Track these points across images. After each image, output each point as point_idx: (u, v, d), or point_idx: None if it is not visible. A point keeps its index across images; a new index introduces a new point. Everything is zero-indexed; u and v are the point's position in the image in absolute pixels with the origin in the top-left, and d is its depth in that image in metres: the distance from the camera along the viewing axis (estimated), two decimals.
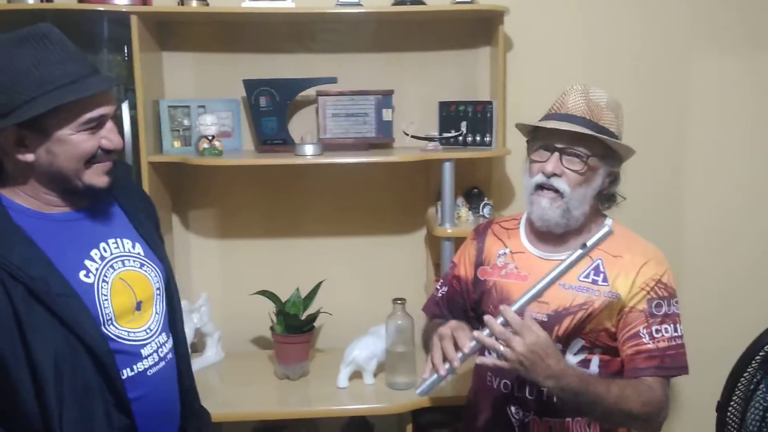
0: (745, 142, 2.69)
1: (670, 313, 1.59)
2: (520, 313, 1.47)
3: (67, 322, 1.29)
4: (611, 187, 1.67)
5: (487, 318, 1.45)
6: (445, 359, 1.47)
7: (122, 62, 2.36)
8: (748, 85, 2.65)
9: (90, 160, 1.36)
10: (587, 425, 1.64)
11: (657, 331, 1.57)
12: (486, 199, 2.50)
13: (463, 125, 2.46)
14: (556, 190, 1.58)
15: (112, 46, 2.38)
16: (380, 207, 2.64)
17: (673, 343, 1.57)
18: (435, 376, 1.46)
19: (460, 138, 2.47)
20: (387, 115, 2.49)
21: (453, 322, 1.55)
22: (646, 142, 2.65)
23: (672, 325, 1.58)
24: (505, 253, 1.74)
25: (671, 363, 1.56)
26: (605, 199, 1.67)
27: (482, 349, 1.48)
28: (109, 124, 1.39)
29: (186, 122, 2.48)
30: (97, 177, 1.38)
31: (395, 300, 2.28)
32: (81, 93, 1.30)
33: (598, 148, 1.59)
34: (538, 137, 1.63)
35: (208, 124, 2.35)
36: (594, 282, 1.60)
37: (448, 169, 2.32)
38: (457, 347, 1.47)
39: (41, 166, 1.34)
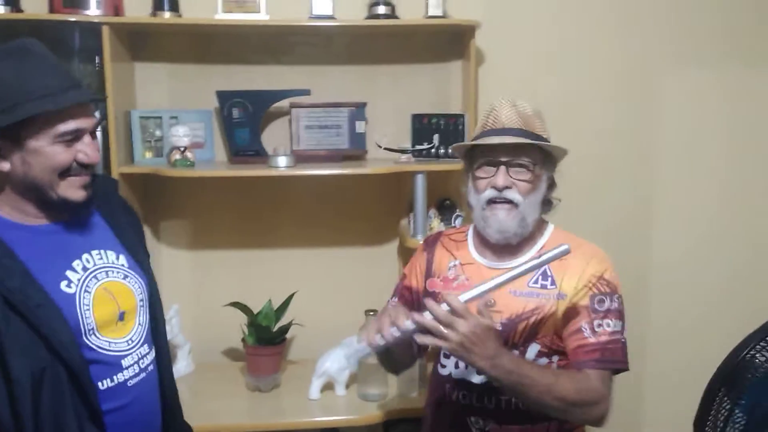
0: (718, 156, 2.74)
1: (612, 309, 1.60)
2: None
3: (44, 333, 1.29)
4: (550, 191, 1.71)
5: (428, 302, 1.46)
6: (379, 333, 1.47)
7: (94, 72, 2.35)
8: (721, 99, 2.70)
9: (65, 173, 1.37)
10: (545, 428, 1.65)
11: (598, 325, 1.59)
12: (458, 210, 2.52)
13: (436, 137, 2.48)
14: (510, 201, 1.62)
15: (84, 57, 2.36)
16: (353, 218, 2.65)
17: (614, 337, 1.58)
18: (363, 345, 1.48)
19: (433, 150, 2.48)
20: (360, 127, 2.51)
21: (395, 306, 1.66)
22: (618, 155, 2.70)
23: (613, 320, 1.59)
24: (455, 265, 1.75)
25: (610, 356, 1.57)
26: (545, 204, 1.71)
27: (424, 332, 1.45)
28: (87, 138, 1.39)
29: (158, 133, 2.47)
30: (72, 190, 1.39)
31: (367, 311, 2.29)
32: (54, 105, 1.31)
33: (538, 155, 1.64)
34: (478, 154, 1.66)
35: (181, 135, 2.34)
36: (543, 287, 1.63)
37: (420, 180, 2.33)
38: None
39: (17, 176, 1.35)
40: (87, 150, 1.38)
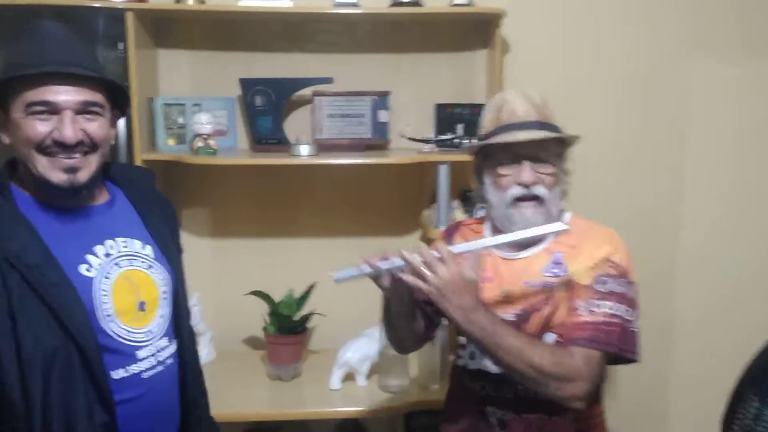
0: (742, 148, 2.69)
1: (616, 292, 1.54)
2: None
3: (58, 312, 1.29)
4: (566, 179, 1.68)
5: (418, 246, 1.52)
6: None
7: (117, 59, 2.34)
8: (743, 92, 2.66)
9: (42, 150, 1.34)
10: (567, 420, 1.62)
11: (596, 305, 1.53)
12: (476, 203, 2.50)
13: (459, 128, 2.46)
14: (536, 197, 1.59)
15: (107, 43, 2.36)
16: (375, 208, 2.63)
17: (611, 320, 1.51)
18: (354, 268, 1.53)
19: (456, 140, 2.46)
20: (383, 116, 2.49)
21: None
22: (643, 146, 2.66)
23: (614, 303, 1.53)
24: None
25: (604, 338, 1.50)
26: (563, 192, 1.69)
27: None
28: (67, 117, 1.33)
29: (181, 120, 2.46)
30: (51, 171, 1.35)
31: None
32: (22, 71, 1.31)
33: (557, 146, 1.62)
34: (497, 151, 1.61)
35: (203, 122, 2.34)
36: (555, 275, 1.60)
37: (443, 171, 2.31)
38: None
39: (13, 149, 1.37)
40: (61, 127, 1.33)
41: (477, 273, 1.50)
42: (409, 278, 1.48)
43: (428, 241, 2.41)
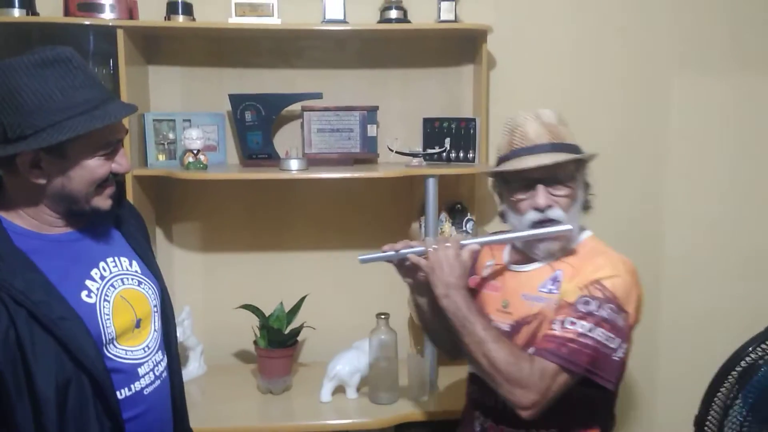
0: (727, 161, 2.73)
1: (596, 314, 1.50)
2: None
3: (68, 346, 1.28)
4: (586, 193, 1.70)
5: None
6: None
7: (108, 76, 2.36)
8: (731, 104, 2.70)
9: (101, 185, 1.37)
10: None
11: (571, 323, 1.51)
12: (469, 214, 2.52)
13: (447, 142, 2.49)
14: (554, 222, 1.60)
15: (98, 60, 2.38)
16: (364, 222, 2.65)
17: (581, 339, 1.49)
18: (378, 252, 1.69)
19: (444, 154, 2.49)
20: (372, 130, 2.51)
21: None
22: (629, 159, 2.70)
23: (592, 325, 1.49)
24: (490, 265, 1.79)
25: (566, 354, 1.48)
26: (584, 206, 1.70)
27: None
28: (121, 150, 1.40)
29: (171, 136, 2.48)
30: (103, 200, 1.39)
31: (379, 315, 2.29)
32: (107, 120, 1.31)
33: (573, 165, 1.63)
34: (512, 175, 1.64)
35: (194, 138, 2.36)
36: (550, 291, 1.61)
37: (431, 184, 2.33)
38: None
39: (53, 188, 1.33)
40: (121, 161, 1.39)
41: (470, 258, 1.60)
42: (414, 256, 1.62)
43: None
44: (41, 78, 1.27)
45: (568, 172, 1.61)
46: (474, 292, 1.78)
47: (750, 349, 1.78)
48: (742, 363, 1.82)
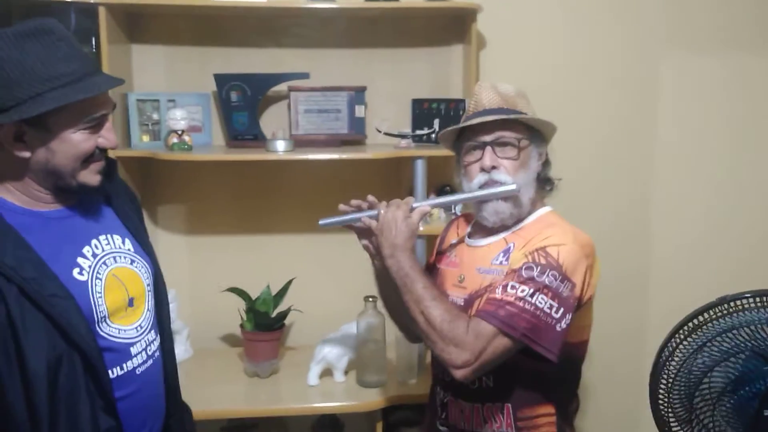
0: (719, 143, 2.71)
1: (538, 280, 1.48)
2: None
3: (60, 323, 1.27)
4: (545, 170, 1.70)
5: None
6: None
7: (90, 54, 2.32)
8: (722, 85, 2.68)
9: (87, 160, 1.35)
10: (499, 411, 1.62)
11: (512, 287, 1.49)
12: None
13: (436, 123, 2.46)
14: (501, 183, 1.60)
15: (80, 38, 2.31)
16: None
17: (520, 303, 1.47)
18: (338, 217, 1.70)
19: (433, 136, 2.46)
20: (360, 111, 2.48)
21: None
22: (618, 142, 2.68)
23: (534, 291, 1.47)
24: (453, 243, 1.81)
25: (505, 317, 1.46)
26: (544, 183, 1.70)
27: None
28: (108, 124, 1.38)
29: (155, 116, 2.44)
30: (91, 176, 1.37)
31: (366, 297, 2.27)
32: (89, 92, 1.29)
33: (524, 131, 1.63)
34: (464, 140, 1.66)
35: (178, 118, 2.32)
36: (501, 263, 1.61)
37: (420, 166, 2.31)
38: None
39: (37, 163, 1.32)
40: (108, 135, 1.37)
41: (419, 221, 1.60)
42: (366, 218, 1.62)
43: None
44: (23, 49, 1.25)
45: (517, 135, 1.61)
46: (436, 269, 1.80)
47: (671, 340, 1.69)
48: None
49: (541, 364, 1.52)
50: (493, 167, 1.60)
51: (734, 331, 1.46)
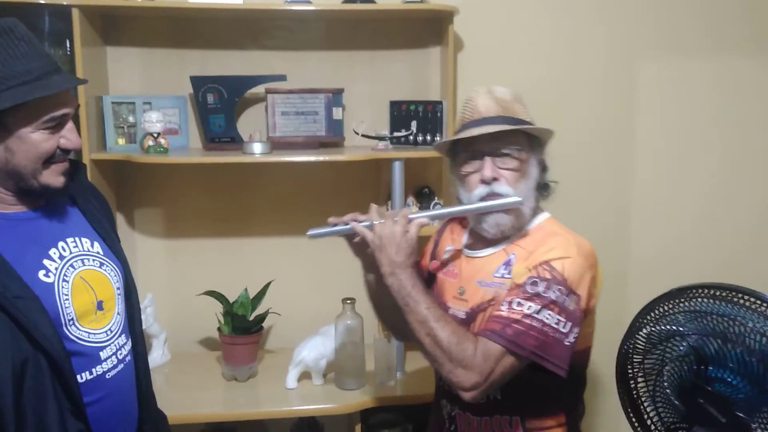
0: (700, 145, 2.73)
1: (544, 296, 1.46)
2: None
3: (24, 325, 1.26)
4: (543, 175, 1.66)
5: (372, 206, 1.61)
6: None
7: (64, 57, 2.29)
8: (705, 86, 2.69)
9: (48, 160, 1.34)
10: (508, 424, 1.61)
11: (518, 303, 1.47)
12: (436, 198, 2.51)
13: (414, 125, 2.46)
14: (501, 196, 1.56)
15: (54, 40, 2.30)
16: (330, 206, 2.56)
17: (527, 321, 1.44)
18: (328, 228, 1.65)
19: (411, 137, 2.46)
20: (337, 113, 2.48)
21: None
22: (599, 145, 2.69)
23: (540, 307, 1.45)
24: (449, 250, 1.77)
25: (512, 336, 1.44)
26: (542, 188, 1.66)
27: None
28: (69, 124, 1.36)
29: (131, 119, 2.42)
30: (53, 177, 1.36)
31: (345, 300, 2.27)
32: (46, 90, 1.28)
33: (523, 140, 1.59)
34: (461, 149, 1.62)
35: (154, 121, 2.31)
36: (503, 276, 1.58)
37: (398, 168, 2.31)
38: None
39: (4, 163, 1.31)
40: (70, 135, 1.36)
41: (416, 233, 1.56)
42: (359, 228, 1.57)
43: None
44: None
45: (516, 145, 1.57)
46: (433, 277, 1.77)
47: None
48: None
49: (548, 378, 1.50)
50: (494, 179, 1.56)
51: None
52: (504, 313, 1.48)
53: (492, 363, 1.45)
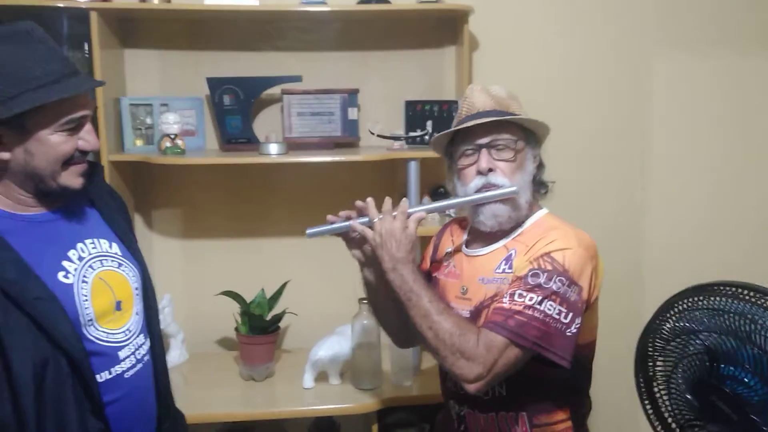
0: (712, 143, 2.72)
1: (545, 287, 1.46)
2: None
3: (44, 326, 1.27)
4: (539, 172, 1.67)
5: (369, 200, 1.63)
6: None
7: (83, 59, 2.32)
8: (715, 85, 2.69)
9: (67, 162, 1.35)
10: (514, 420, 1.61)
11: (520, 295, 1.47)
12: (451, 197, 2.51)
13: (429, 124, 2.47)
14: (497, 186, 1.58)
15: (73, 43, 2.33)
16: (346, 206, 2.61)
17: (529, 312, 1.45)
18: (326, 225, 1.66)
19: (426, 137, 2.47)
20: (352, 114, 2.49)
21: None
22: (611, 143, 2.69)
23: (542, 298, 1.45)
24: (449, 252, 1.77)
25: (515, 327, 1.44)
26: (539, 186, 1.67)
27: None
28: (88, 126, 1.38)
29: (148, 121, 2.44)
30: (72, 178, 1.37)
31: (361, 300, 2.27)
32: (64, 93, 1.29)
33: (519, 133, 1.61)
34: (458, 144, 1.64)
35: (171, 122, 2.32)
36: (504, 272, 1.59)
37: (413, 168, 2.31)
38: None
39: (17, 165, 1.32)
40: (88, 137, 1.37)
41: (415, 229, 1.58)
42: (359, 226, 1.59)
43: None
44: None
45: (512, 136, 1.59)
46: (434, 279, 1.76)
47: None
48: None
49: (552, 370, 1.50)
50: (490, 170, 1.57)
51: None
52: (506, 305, 1.48)
53: (495, 354, 1.45)
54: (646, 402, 1.69)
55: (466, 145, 1.61)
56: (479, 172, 1.59)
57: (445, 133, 1.67)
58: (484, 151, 1.59)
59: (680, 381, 1.55)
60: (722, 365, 1.43)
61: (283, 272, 2.51)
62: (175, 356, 2.49)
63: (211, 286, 2.47)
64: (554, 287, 1.47)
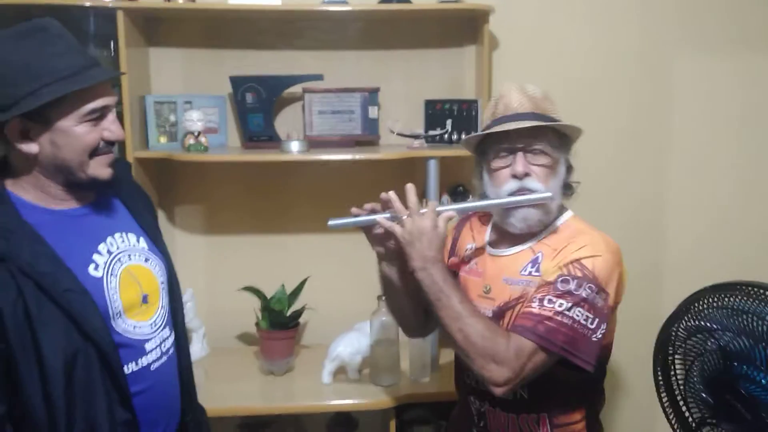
0: (732, 143, 2.71)
1: (575, 294, 1.47)
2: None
3: (75, 317, 1.30)
4: (569, 175, 1.67)
5: (394, 194, 1.58)
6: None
7: (109, 58, 2.36)
8: (735, 85, 2.67)
9: (93, 152, 1.38)
10: (535, 422, 1.62)
11: (549, 300, 1.48)
12: (471, 197, 2.52)
13: (449, 123, 2.48)
14: (531, 191, 1.57)
15: (99, 42, 2.37)
16: (365, 203, 2.64)
17: (558, 318, 1.46)
18: (351, 218, 1.63)
19: (446, 136, 2.48)
20: (373, 112, 2.50)
21: None
22: (631, 142, 2.68)
23: (571, 304, 1.47)
24: (471, 248, 1.76)
25: (544, 333, 1.45)
26: (566, 188, 1.67)
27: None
28: (111, 116, 1.40)
29: (172, 118, 2.48)
30: (100, 169, 1.40)
31: (380, 296, 2.29)
32: (83, 83, 1.32)
33: (554, 138, 1.60)
34: (492, 144, 1.62)
35: (194, 120, 2.36)
36: (530, 274, 1.59)
37: (433, 166, 2.33)
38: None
39: (46, 158, 1.35)
40: (112, 127, 1.40)
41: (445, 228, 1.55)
42: (386, 222, 1.55)
43: None
44: (18, 48, 1.30)
45: (548, 143, 1.58)
46: (455, 275, 1.75)
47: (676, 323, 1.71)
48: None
49: (574, 373, 1.52)
50: (526, 174, 1.57)
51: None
52: (535, 310, 1.49)
53: (524, 359, 1.46)
54: (664, 398, 1.70)
55: (501, 145, 1.60)
56: (514, 176, 1.58)
57: (481, 133, 1.65)
58: (520, 154, 1.58)
59: (696, 379, 1.56)
60: (735, 363, 1.44)
61: (304, 268, 2.54)
62: (196, 350, 2.53)
63: (232, 281, 2.50)
64: (584, 294, 1.48)
